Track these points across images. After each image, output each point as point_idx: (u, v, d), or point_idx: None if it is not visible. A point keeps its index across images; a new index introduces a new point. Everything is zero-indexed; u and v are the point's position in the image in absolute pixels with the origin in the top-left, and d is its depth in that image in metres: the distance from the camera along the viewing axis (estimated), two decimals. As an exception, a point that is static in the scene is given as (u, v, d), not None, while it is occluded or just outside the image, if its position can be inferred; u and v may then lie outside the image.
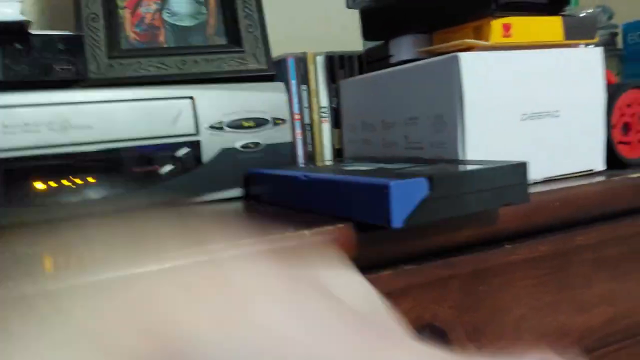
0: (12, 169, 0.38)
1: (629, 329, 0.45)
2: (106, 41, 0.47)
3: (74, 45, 0.40)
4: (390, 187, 0.28)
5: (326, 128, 0.56)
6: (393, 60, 0.49)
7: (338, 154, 0.57)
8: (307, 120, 0.55)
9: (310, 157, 0.56)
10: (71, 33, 0.41)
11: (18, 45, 0.38)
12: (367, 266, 0.33)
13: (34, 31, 0.39)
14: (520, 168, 0.33)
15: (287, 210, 0.39)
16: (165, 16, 0.51)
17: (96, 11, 0.48)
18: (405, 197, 0.29)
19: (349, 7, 0.50)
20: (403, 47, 0.47)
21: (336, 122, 0.56)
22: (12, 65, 0.38)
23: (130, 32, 0.50)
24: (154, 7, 0.51)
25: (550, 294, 0.41)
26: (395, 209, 0.28)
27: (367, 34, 0.50)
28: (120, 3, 0.50)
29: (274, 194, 0.41)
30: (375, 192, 0.29)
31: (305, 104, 0.55)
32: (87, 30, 0.47)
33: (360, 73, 0.56)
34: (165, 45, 0.50)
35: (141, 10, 0.50)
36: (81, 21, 0.47)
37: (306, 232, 0.31)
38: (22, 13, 0.37)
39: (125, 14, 0.50)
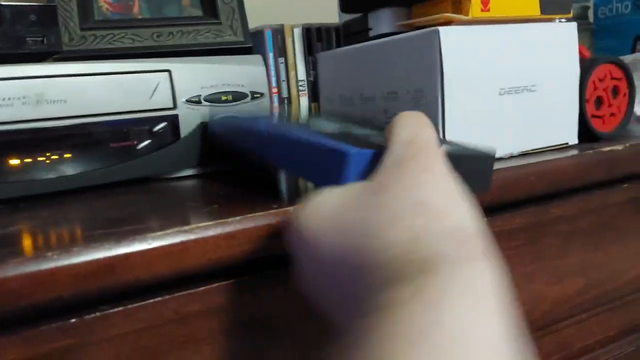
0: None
1: (599, 297, 0.46)
2: (79, 12, 0.46)
3: (46, 17, 0.39)
4: (346, 154, 0.27)
5: (304, 102, 0.55)
6: (371, 33, 0.48)
7: (317, 128, 0.56)
8: (284, 94, 0.54)
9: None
10: (43, 4, 0.40)
11: (-15, 16, 0.37)
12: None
13: (3, 2, 0.37)
14: (487, 159, 0.31)
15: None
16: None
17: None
18: (361, 167, 0.28)
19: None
20: (382, 20, 0.47)
21: (314, 96, 0.56)
22: (-20, 36, 0.37)
23: (103, 3, 0.48)
24: (128, -21, 0.49)
25: (525, 264, 0.42)
26: (349, 177, 0.27)
27: (345, 7, 0.49)
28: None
29: (234, 141, 0.40)
30: (331, 157, 0.28)
31: (283, 77, 0.54)
32: (59, 1, 0.45)
33: (338, 46, 0.55)
34: (139, 17, 0.48)
35: (115, -17, 0.49)
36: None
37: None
38: (-12, -19, 0.36)
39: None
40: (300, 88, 0.55)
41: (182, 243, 0.27)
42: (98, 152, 0.41)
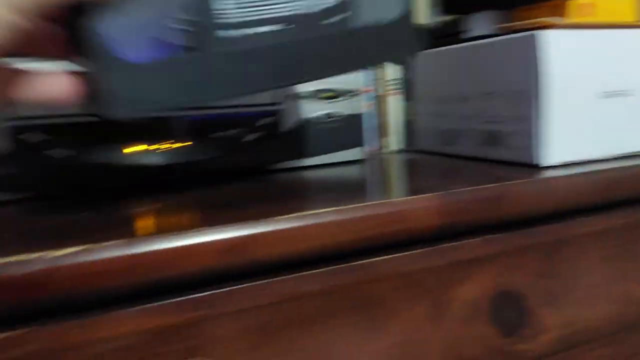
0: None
1: None
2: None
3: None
4: None
5: (397, 101, 0.57)
6: (468, 34, 0.49)
7: (409, 125, 0.57)
8: (377, 92, 0.56)
9: (379, 129, 0.57)
10: None
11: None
12: (452, 234, 0.35)
13: None
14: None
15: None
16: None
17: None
18: None
19: (428, -20, 0.50)
20: (481, 23, 0.47)
21: (408, 95, 0.57)
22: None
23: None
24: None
25: (620, 264, 0.42)
26: None
27: (447, 8, 0.50)
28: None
29: None
30: None
31: (377, 76, 0.56)
32: None
33: (430, 47, 0.56)
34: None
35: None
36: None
37: (403, 199, 0.32)
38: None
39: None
40: (394, 87, 0.56)
41: (303, 227, 0.29)
42: (208, 142, 0.43)
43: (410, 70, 0.55)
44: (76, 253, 0.25)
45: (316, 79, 0.31)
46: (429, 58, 0.53)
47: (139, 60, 0.26)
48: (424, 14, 0.67)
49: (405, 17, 0.33)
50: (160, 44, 0.26)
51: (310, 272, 0.31)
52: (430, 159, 0.51)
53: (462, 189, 0.34)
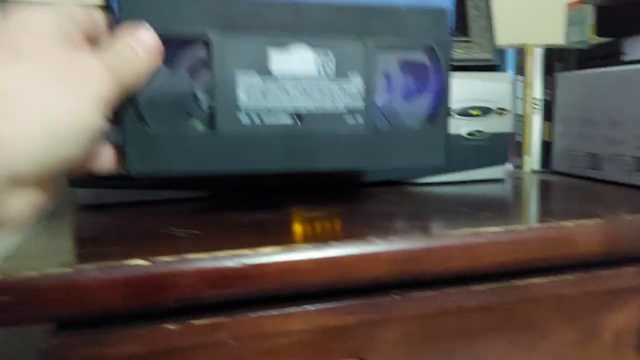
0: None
1: None
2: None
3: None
4: None
5: (537, 120, 0.56)
6: (626, 58, 0.47)
7: (547, 146, 0.56)
8: (518, 111, 0.55)
9: (518, 148, 0.56)
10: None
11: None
12: (610, 261, 0.34)
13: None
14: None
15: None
16: (394, 4, 0.54)
17: None
18: None
19: (584, 2, 0.49)
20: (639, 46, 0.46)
21: (547, 115, 0.56)
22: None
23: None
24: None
25: None
26: None
27: (601, 30, 0.49)
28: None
29: None
30: None
31: (519, 94, 0.55)
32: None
33: (579, 68, 0.55)
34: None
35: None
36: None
37: (568, 224, 0.32)
38: None
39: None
40: (535, 107, 0.55)
41: (475, 245, 0.30)
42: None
43: (551, 91, 0.54)
44: (277, 252, 0.27)
45: (330, 169, 0.33)
46: (573, 79, 0.52)
47: (160, 131, 0.30)
48: (563, 34, 0.65)
49: (438, 127, 0.34)
50: (182, 119, 0.30)
51: (475, 288, 0.32)
52: (573, 181, 0.50)
53: (630, 217, 0.34)
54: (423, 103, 0.34)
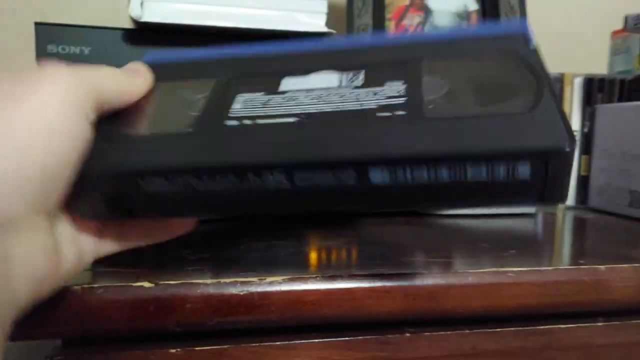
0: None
1: None
2: (374, 51, 0.51)
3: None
4: None
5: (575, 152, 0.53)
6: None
7: (583, 181, 0.54)
8: (554, 142, 0.53)
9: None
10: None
11: (316, 54, 0.43)
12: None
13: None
14: None
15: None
16: (428, 29, 0.53)
17: (367, 22, 0.52)
18: None
19: (627, 30, 0.47)
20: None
21: (585, 148, 0.53)
22: (309, 70, 0.43)
23: (394, 43, 0.53)
24: (417, 19, 0.53)
25: None
26: None
27: (645, 60, 0.47)
28: (387, 15, 0.53)
29: None
30: None
31: (555, 125, 0.53)
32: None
33: (622, 99, 0.52)
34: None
35: (405, 22, 0.53)
36: (352, 31, 0.52)
37: (602, 267, 0.30)
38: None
39: (391, 26, 0.53)
40: (572, 138, 0.53)
41: (497, 284, 0.29)
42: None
43: (591, 123, 0.52)
44: (284, 282, 0.26)
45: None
46: (616, 111, 0.49)
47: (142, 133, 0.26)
48: (606, 64, 0.63)
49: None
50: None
51: (494, 329, 0.30)
52: (611, 220, 0.47)
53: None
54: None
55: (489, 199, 0.24)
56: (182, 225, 0.31)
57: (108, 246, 0.27)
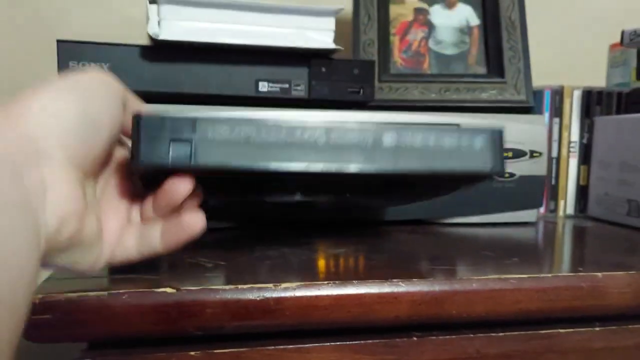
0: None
1: None
2: (379, 66, 0.53)
3: (366, 70, 0.46)
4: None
5: (573, 164, 0.55)
6: (667, 102, 0.47)
7: (583, 191, 0.55)
8: (554, 154, 0.55)
9: (553, 191, 0.56)
10: (366, 59, 0.46)
11: (323, 69, 0.45)
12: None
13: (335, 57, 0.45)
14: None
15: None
16: (431, 44, 0.55)
17: (372, 37, 0.54)
18: None
19: (624, 45, 0.49)
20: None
21: (584, 159, 0.55)
22: (316, 85, 0.45)
23: (398, 58, 0.54)
24: (420, 34, 0.55)
25: None
26: None
27: (641, 74, 0.48)
28: (392, 30, 0.55)
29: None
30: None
31: (555, 137, 0.55)
32: (363, 56, 0.53)
33: (619, 111, 0.54)
34: (428, 72, 0.54)
35: (409, 37, 0.55)
36: (358, 46, 0.54)
37: (599, 274, 0.32)
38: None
39: (395, 41, 0.55)
40: (571, 150, 0.55)
41: (500, 290, 0.30)
42: (392, 191, 0.46)
43: (590, 134, 0.54)
44: (298, 287, 0.28)
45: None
46: (614, 123, 0.51)
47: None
48: (604, 76, 0.65)
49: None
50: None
51: (497, 334, 0.32)
52: (609, 229, 0.49)
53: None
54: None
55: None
56: (194, 227, 0.31)
57: (127, 245, 0.28)
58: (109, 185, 0.29)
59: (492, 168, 0.30)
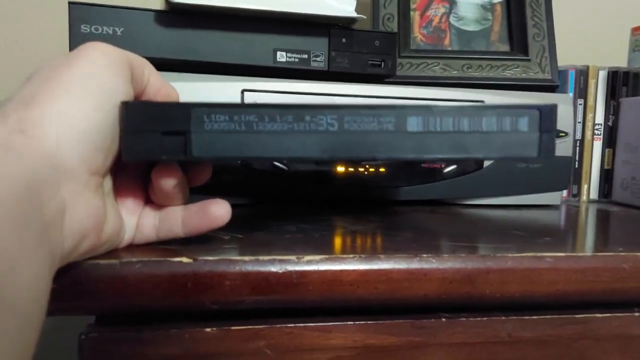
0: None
1: None
2: (399, 41, 0.51)
3: (388, 42, 0.44)
4: None
5: (597, 146, 0.53)
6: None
7: (607, 175, 0.53)
8: (578, 135, 0.53)
9: (576, 175, 0.54)
10: (387, 31, 0.44)
11: (343, 39, 0.43)
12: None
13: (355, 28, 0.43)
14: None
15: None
16: (452, 20, 0.53)
17: (392, 12, 0.52)
18: None
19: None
20: None
21: (609, 142, 0.53)
22: (336, 56, 0.43)
23: (418, 34, 0.52)
24: (442, 10, 0.53)
25: None
26: None
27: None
28: (412, 5, 0.53)
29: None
30: None
31: (579, 119, 0.53)
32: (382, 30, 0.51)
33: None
34: (449, 48, 0.52)
35: (430, 12, 0.53)
36: (378, 21, 0.51)
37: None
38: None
39: (415, 16, 0.53)
40: (596, 132, 0.53)
41: (536, 269, 0.28)
42: (411, 171, 0.44)
43: (615, 116, 0.52)
44: (322, 261, 0.26)
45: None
46: (637, 105, 0.49)
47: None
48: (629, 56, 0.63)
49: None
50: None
51: (530, 317, 0.30)
52: (636, 213, 0.47)
53: None
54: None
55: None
56: (220, 218, 0.30)
57: (146, 230, 0.28)
58: (124, 170, 0.27)
59: (540, 153, 0.27)
